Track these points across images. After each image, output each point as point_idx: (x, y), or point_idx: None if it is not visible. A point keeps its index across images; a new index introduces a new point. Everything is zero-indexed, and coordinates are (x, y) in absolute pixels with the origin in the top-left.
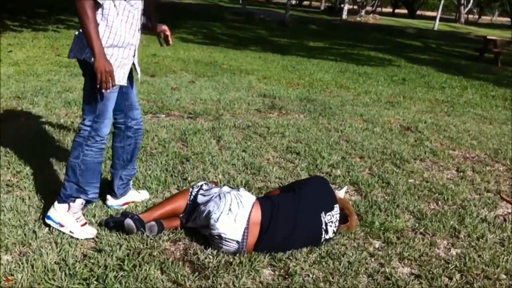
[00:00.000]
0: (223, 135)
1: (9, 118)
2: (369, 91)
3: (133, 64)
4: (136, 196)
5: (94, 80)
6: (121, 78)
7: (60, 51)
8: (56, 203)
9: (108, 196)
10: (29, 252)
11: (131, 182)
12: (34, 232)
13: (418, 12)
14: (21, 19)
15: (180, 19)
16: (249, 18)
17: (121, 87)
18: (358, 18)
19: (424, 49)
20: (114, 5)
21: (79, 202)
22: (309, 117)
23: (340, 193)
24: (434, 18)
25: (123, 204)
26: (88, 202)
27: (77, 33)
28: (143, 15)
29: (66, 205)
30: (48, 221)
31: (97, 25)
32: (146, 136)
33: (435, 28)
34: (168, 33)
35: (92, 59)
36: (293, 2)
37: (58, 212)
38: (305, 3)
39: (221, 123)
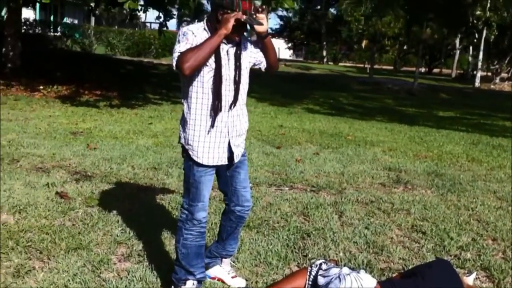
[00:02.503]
0: (345, 210)
1: (146, 188)
2: (503, 166)
3: (231, 144)
4: (222, 274)
5: (187, 162)
6: (214, 159)
7: None
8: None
9: None
10: None
11: (221, 260)
12: None
13: None
14: (161, 92)
15: (308, 89)
16: (376, 88)
17: (225, 169)
18: (492, 86)
19: None
20: (193, 85)
21: (190, 283)
22: (437, 193)
23: (469, 280)
24: None
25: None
26: (199, 281)
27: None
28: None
29: None
30: None
31: (202, 45)
32: (269, 209)
33: None
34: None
35: (186, 147)
36: (422, 70)
37: None
38: (435, 70)
39: (343, 198)
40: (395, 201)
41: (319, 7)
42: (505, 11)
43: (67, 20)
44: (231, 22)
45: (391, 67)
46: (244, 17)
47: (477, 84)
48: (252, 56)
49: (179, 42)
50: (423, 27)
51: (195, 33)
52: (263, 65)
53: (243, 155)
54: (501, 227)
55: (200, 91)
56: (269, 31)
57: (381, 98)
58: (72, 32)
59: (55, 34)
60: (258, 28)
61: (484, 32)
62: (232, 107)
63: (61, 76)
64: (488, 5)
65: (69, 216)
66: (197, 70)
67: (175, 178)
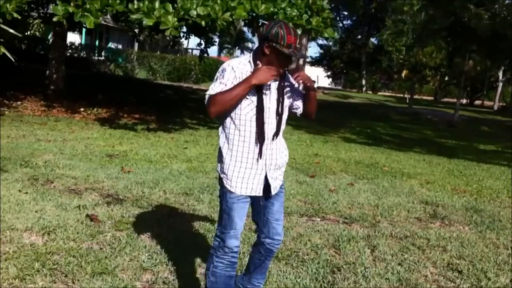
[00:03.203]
0: (378, 244)
1: (176, 214)
2: None
3: (268, 177)
4: None
5: (222, 189)
6: (247, 189)
7: None
8: None
9: None
10: None
11: None
12: None
13: None
14: (198, 117)
15: (345, 118)
16: (415, 118)
17: (259, 199)
18: None
19: None
20: (231, 116)
21: None
22: (475, 230)
23: None
24: None
25: None
26: None
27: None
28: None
29: None
30: None
31: (228, 91)
32: (300, 240)
33: None
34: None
35: (221, 175)
36: (463, 101)
37: None
38: (477, 102)
39: (377, 231)
40: (431, 237)
41: (359, 36)
42: None
43: (111, 45)
44: (266, 74)
45: (431, 98)
46: (288, 50)
47: None
48: (293, 98)
49: (216, 79)
50: (466, 59)
51: (235, 69)
52: (299, 111)
53: (280, 187)
54: None
55: (238, 122)
56: (309, 59)
57: (420, 129)
58: (115, 57)
59: (99, 58)
60: (309, 84)
61: None
62: (271, 140)
63: (102, 99)
64: None
65: (97, 240)
66: (237, 104)
67: (206, 204)
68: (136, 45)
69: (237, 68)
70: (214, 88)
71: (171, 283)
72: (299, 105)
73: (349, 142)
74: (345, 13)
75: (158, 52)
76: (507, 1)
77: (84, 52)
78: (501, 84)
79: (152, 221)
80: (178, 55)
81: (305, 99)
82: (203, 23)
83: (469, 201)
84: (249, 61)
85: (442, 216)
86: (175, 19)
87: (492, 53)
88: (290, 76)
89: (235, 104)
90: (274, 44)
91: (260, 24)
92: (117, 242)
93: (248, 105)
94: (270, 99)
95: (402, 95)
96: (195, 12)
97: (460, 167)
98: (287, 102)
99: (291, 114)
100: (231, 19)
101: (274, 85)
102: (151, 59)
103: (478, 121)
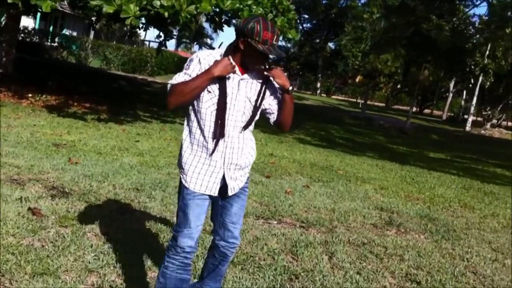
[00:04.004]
0: (336, 251)
1: (126, 211)
2: (496, 214)
3: (226, 177)
4: None
5: (180, 185)
6: (202, 186)
7: None
8: None
9: None
10: None
11: None
12: None
13: None
14: (152, 110)
15: (300, 119)
16: (368, 123)
17: (218, 198)
18: (482, 131)
19: None
20: (195, 109)
21: None
22: (431, 239)
23: None
24: None
25: None
26: None
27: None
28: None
29: None
30: None
31: (188, 82)
32: (256, 244)
33: None
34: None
35: (179, 169)
36: (413, 109)
37: None
38: (426, 111)
39: (334, 237)
40: (388, 245)
41: (318, 40)
42: (503, 59)
43: (66, 31)
44: (225, 66)
45: (383, 104)
46: (263, 47)
47: (468, 128)
48: (267, 102)
49: (183, 68)
50: (422, 68)
51: (201, 60)
52: (272, 118)
53: (242, 189)
54: (498, 282)
55: (199, 116)
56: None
57: (372, 134)
58: (69, 44)
59: (52, 44)
60: (278, 81)
61: (480, 78)
62: (233, 138)
63: (52, 85)
64: (487, 52)
65: (39, 236)
66: (197, 96)
67: (158, 201)
68: (92, 33)
69: (204, 59)
70: (177, 78)
71: (119, 287)
72: (273, 110)
73: (304, 143)
74: (306, 16)
75: (114, 42)
76: (464, 15)
77: (37, 37)
78: (451, 94)
79: (99, 218)
80: (134, 46)
81: (280, 104)
82: (166, 14)
83: (423, 208)
84: (221, 55)
85: (398, 223)
86: (137, 8)
87: (450, 64)
88: (273, 85)
89: (195, 95)
90: (249, 40)
91: (223, 20)
92: (60, 240)
93: (211, 98)
94: (236, 96)
95: (355, 100)
96: (158, 3)
97: (412, 174)
98: (254, 106)
99: (265, 117)
100: (195, 12)
101: (243, 84)
102: (106, 49)
103: (428, 129)
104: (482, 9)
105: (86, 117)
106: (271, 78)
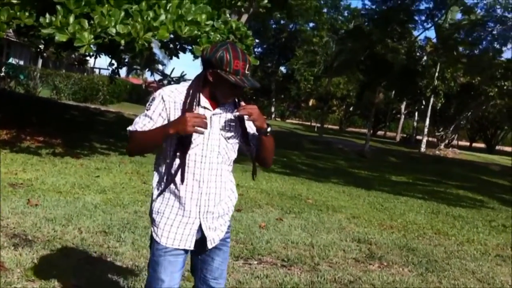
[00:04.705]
0: None
1: (95, 258)
2: (471, 240)
3: (203, 227)
4: None
5: (150, 238)
6: (175, 240)
7: (145, 178)
8: None
9: None
10: None
11: None
12: None
13: (497, 147)
14: (108, 141)
15: None
16: (327, 147)
17: (196, 252)
18: (437, 152)
19: None
20: (164, 148)
21: None
22: (416, 272)
23: None
24: None
25: None
26: None
27: None
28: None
29: None
30: None
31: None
32: None
33: None
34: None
35: (152, 227)
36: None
37: None
38: (379, 133)
39: (319, 276)
40: (375, 283)
41: (269, 64)
42: (452, 81)
43: (12, 60)
44: (186, 126)
45: (337, 127)
46: (235, 78)
47: (423, 149)
48: (245, 136)
49: (146, 109)
50: (376, 92)
51: (165, 98)
52: (252, 154)
53: (224, 240)
54: None
55: (168, 160)
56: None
57: (333, 158)
58: (16, 73)
59: None
60: (257, 124)
61: (432, 99)
62: (209, 183)
63: (1, 118)
64: (436, 74)
65: None
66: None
67: (129, 245)
68: (40, 62)
69: (168, 97)
70: (137, 121)
71: None
72: (253, 145)
73: (268, 171)
74: (257, 40)
75: (64, 71)
76: (414, 39)
77: None
78: (403, 116)
79: (67, 268)
80: (85, 74)
81: (259, 145)
82: (122, 42)
83: (399, 237)
84: (187, 89)
85: (379, 256)
86: (91, 36)
87: (403, 87)
88: (251, 123)
89: (154, 148)
90: (218, 71)
91: (178, 47)
92: None
93: (178, 138)
94: (208, 135)
95: (309, 123)
96: (114, 30)
97: (379, 200)
98: (234, 140)
99: (244, 153)
100: (152, 40)
101: (216, 120)
102: (55, 78)
103: (385, 152)
104: (431, 33)
105: (40, 152)
106: (245, 117)
